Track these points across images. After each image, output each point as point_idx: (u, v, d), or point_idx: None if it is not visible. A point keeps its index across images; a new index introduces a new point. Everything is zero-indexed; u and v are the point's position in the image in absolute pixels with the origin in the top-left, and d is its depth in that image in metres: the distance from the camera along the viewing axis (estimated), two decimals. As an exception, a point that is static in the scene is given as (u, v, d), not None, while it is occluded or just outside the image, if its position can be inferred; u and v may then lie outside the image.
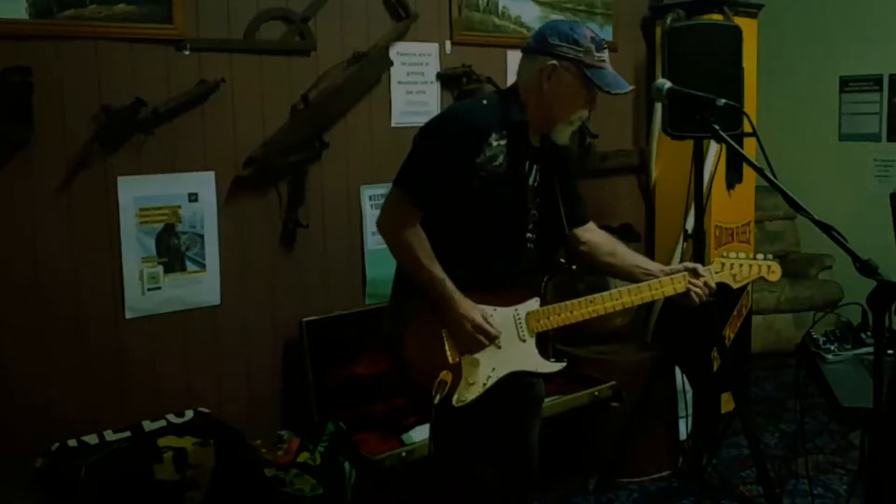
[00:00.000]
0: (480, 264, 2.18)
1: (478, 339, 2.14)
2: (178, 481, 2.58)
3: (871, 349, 2.64)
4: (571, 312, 2.22)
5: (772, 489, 3.19)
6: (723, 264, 2.31)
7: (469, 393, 2.15)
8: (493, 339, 2.15)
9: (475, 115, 2.17)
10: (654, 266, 2.33)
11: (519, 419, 2.39)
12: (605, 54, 2.13)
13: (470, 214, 2.15)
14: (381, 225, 2.21)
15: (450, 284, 2.13)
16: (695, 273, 2.27)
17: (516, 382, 2.26)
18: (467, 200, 2.13)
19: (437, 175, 2.13)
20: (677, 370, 3.67)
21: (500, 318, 2.19)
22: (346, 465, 2.84)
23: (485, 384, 2.16)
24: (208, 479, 2.63)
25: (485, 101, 2.26)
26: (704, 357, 3.53)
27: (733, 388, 3.51)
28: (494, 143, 2.11)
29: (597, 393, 3.42)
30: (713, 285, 2.29)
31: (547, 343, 2.30)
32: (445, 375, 2.15)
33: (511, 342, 2.19)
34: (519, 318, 2.20)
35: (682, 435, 3.74)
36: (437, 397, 2.13)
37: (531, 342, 2.21)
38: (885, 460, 2.19)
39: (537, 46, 2.16)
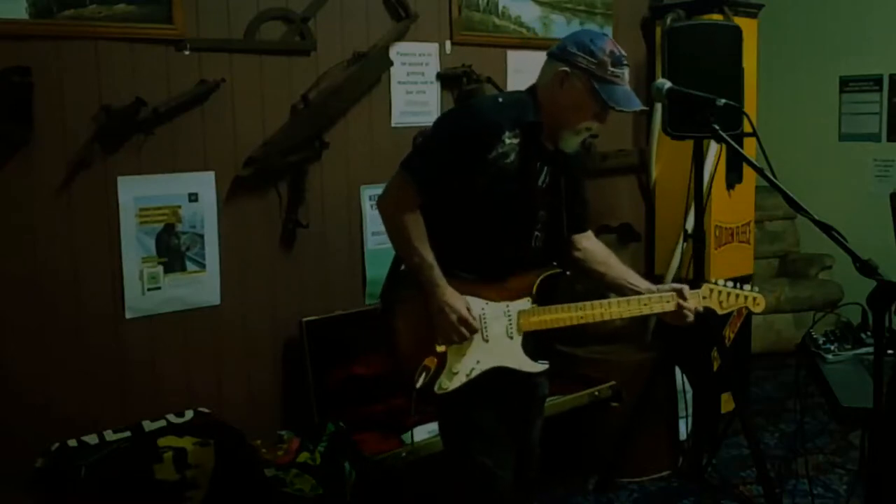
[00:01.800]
0: (481, 259, 2.21)
1: (459, 330, 2.15)
2: (178, 481, 2.58)
3: (871, 349, 2.64)
4: (560, 316, 2.24)
5: (772, 489, 3.20)
6: (711, 290, 2.34)
7: (452, 382, 2.18)
8: (473, 332, 2.17)
9: (490, 112, 2.19)
10: (642, 283, 2.35)
11: (523, 418, 2.40)
12: (623, 71, 2.13)
13: (477, 209, 2.17)
14: (381, 203, 2.25)
15: (437, 272, 2.15)
16: (681, 295, 2.29)
17: (521, 382, 2.27)
18: (476, 195, 2.15)
19: (443, 164, 2.15)
20: (677, 370, 3.67)
21: (491, 312, 2.21)
22: (346, 465, 2.84)
23: (468, 375, 2.18)
24: (208, 479, 2.63)
25: (501, 100, 2.30)
26: (704, 357, 3.53)
27: (733, 388, 3.51)
28: (507, 141, 2.13)
29: (597, 393, 3.42)
30: (700, 309, 2.32)
31: (545, 342, 2.32)
32: (430, 361, 2.18)
33: (499, 337, 2.21)
34: (510, 315, 2.22)
35: (682, 435, 3.74)
36: (420, 381, 2.16)
37: (518, 340, 2.22)
38: (885, 460, 2.19)
39: (557, 52, 2.18)
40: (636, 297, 2.29)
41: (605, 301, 2.27)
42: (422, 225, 2.17)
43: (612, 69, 2.11)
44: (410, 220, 2.16)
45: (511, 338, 2.22)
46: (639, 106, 2.15)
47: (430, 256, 2.16)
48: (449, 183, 2.15)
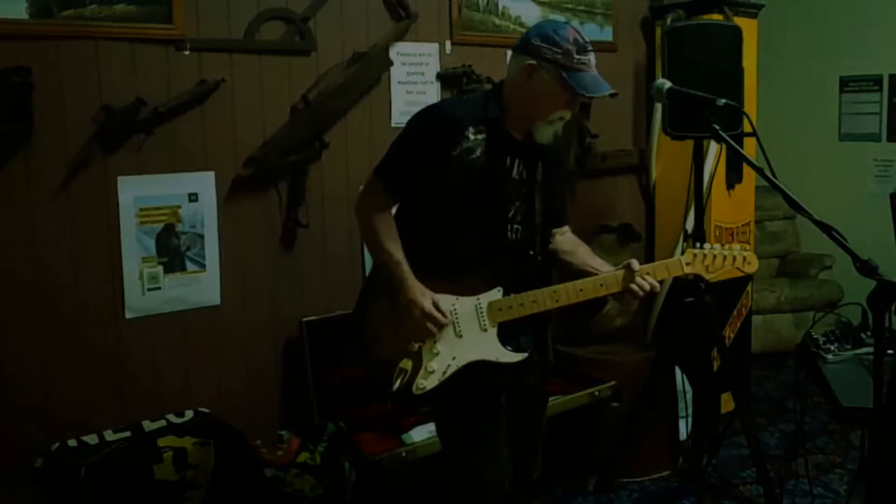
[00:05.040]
0: (457, 256, 2.21)
1: (425, 326, 2.15)
2: (178, 481, 2.58)
3: (871, 349, 2.64)
4: (534, 302, 2.21)
5: (772, 489, 3.19)
6: (695, 255, 2.27)
7: (428, 381, 2.17)
8: (441, 327, 2.17)
9: (451, 110, 2.24)
10: (606, 269, 2.32)
11: (517, 417, 2.38)
12: (589, 57, 2.14)
13: (448, 206, 2.18)
14: (355, 207, 2.29)
15: (405, 268, 2.16)
16: (628, 269, 2.22)
17: (507, 376, 2.26)
18: (445, 192, 2.17)
19: (409, 164, 2.19)
20: (677, 370, 3.67)
21: (462, 307, 2.20)
22: (346, 465, 2.84)
23: (444, 373, 2.18)
24: (208, 479, 2.63)
25: (465, 98, 2.32)
26: (704, 357, 3.53)
27: (733, 388, 3.51)
28: (472, 137, 2.15)
29: (597, 393, 3.42)
30: (655, 283, 2.23)
31: (540, 335, 2.32)
32: (405, 363, 2.19)
33: (473, 332, 2.20)
34: (480, 308, 2.21)
35: (682, 435, 3.74)
36: (397, 384, 2.18)
37: (492, 332, 2.21)
38: (885, 460, 2.19)
39: (521, 46, 2.19)
40: (591, 279, 2.24)
41: (580, 281, 2.23)
42: (392, 224, 2.20)
43: (577, 56, 2.11)
44: (379, 219, 2.19)
45: (485, 330, 2.20)
46: (608, 90, 2.14)
47: (398, 253, 2.17)
48: (418, 181, 2.18)
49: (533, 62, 2.13)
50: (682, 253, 2.32)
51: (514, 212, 2.24)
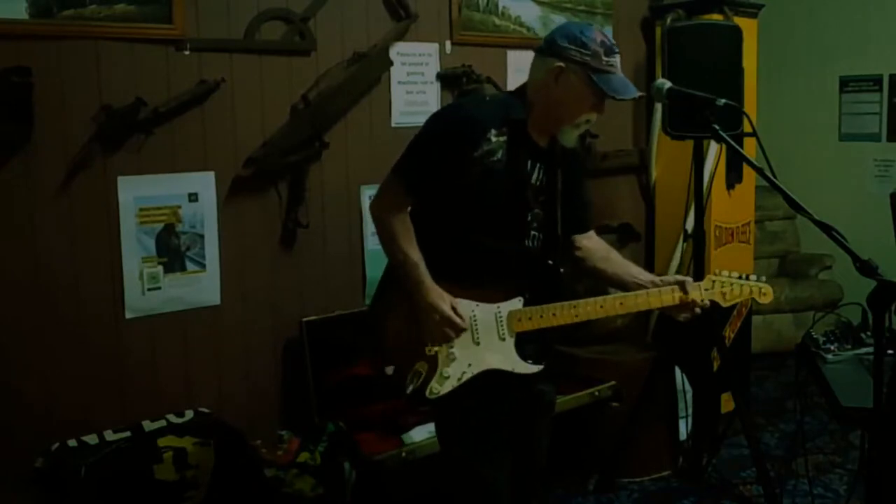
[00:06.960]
0: (475, 260, 2.18)
1: (443, 330, 2.13)
2: (178, 481, 2.58)
3: (871, 349, 2.64)
4: (554, 315, 2.19)
5: (772, 489, 3.19)
6: (713, 282, 2.27)
7: (443, 386, 2.15)
8: (460, 331, 2.15)
9: (473, 110, 2.19)
10: (646, 277, 2.30)
11: (524, 426, 2.37)
12: (616, 59, 2.12)
13: (467, 208, 2.15)
14: (372, 207, 2.25)
15: (423, 270, 2.13)
16: (683, 288, 2.23)
17: (520, 386, 2.25)
18: (465, 194, 2.13)
19: (429, 163, 2.14)
20: (677, 370, 3.67)
21: (481, 314, 2.18)
22: (346, 465, 2.84)
23: (459, 379, 2.16)
24: (208, 479, 2.63)
25: (487, 98, 2.30)
26: (704, 357, 3.53)
27: (733, 388, 3.51)
28: (493, 139, 2.11)
29: (597, 393, 3.42)
30: (706, 303, 2.25)
31: (546, 345, 2.30)
32: (421, 366, 2.17)
33: (490, 340, 2.18)
34: (500, 317, 2.19)
35: (682, 435, 3.74)
36: (410, 387, 2.16)
37: (510, 342, 2.19)
38: (885, 460, 2.19)
39: (547, 48, 2.15)
40: (633, 293, 2.24)
41: (599, 298, 2.22)
42: (409, 226, 2.17)
43: (606, 59, 2.09)
44: (397, 220, 2.16)
45: (503, 339, 2.19)
46: (636, 93, 2.13)
47: (415, 255, 2.14)
48: (437, 182, 2.14)
49: (561, 64, 2.09)
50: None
51: (532, 218, 2.21)
